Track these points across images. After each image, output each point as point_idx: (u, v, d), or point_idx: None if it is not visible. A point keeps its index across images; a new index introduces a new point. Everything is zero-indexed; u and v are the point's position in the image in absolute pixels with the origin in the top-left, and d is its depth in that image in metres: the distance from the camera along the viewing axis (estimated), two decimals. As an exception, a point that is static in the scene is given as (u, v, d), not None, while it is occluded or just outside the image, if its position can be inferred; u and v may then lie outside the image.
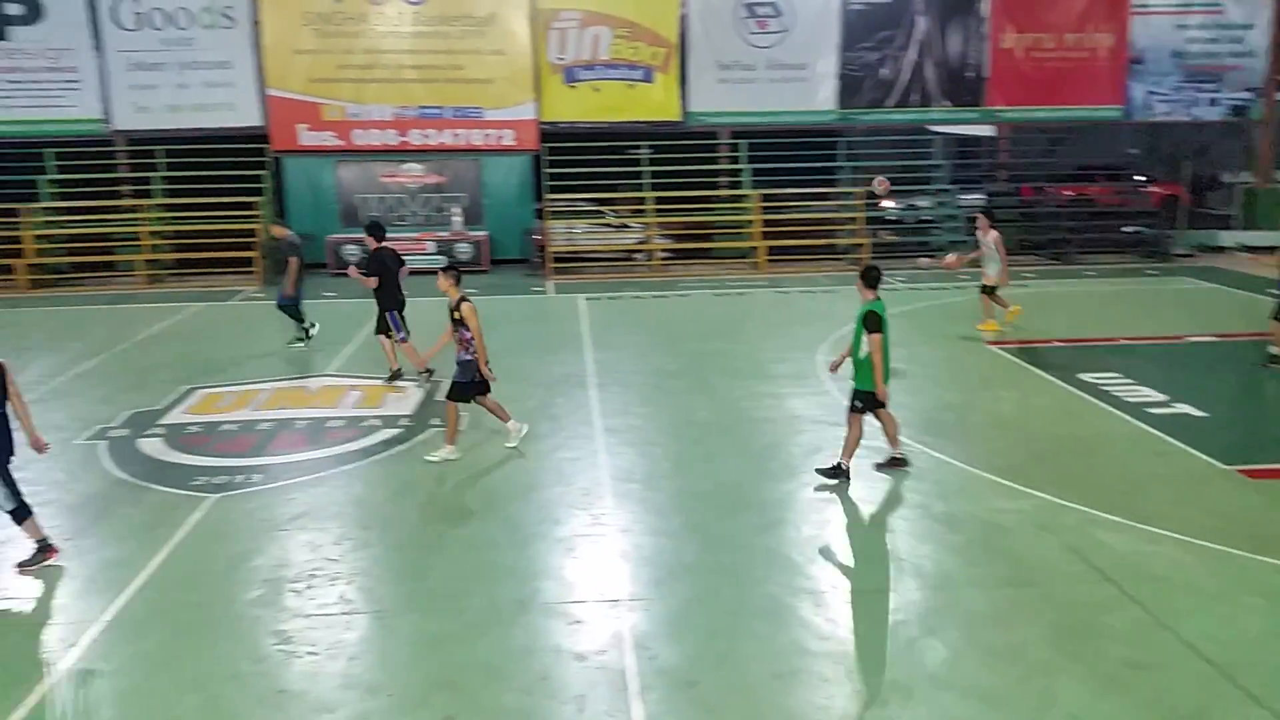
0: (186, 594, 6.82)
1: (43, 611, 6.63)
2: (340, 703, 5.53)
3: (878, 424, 8.78)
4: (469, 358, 9.16)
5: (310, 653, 5.99)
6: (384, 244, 11.99)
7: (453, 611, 6.50)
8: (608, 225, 22.03)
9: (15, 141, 21.43)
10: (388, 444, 9.86)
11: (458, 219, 21.57)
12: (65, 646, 6.11)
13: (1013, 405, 10.95)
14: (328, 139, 21.69)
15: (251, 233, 20.29)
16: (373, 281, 11.80)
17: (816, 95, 22.73)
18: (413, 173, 22.00)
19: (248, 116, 21.70)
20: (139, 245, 20.57)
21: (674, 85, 22.34)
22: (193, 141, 21.60)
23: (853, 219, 22.04)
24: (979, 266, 14.49)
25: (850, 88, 22.84)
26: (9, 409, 7.12)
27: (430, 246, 21.05)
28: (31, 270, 19.89)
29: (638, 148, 22.35)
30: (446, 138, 21.86)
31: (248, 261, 20.02)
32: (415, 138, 21.82)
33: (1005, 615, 6.37)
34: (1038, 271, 20.11)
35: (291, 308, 13.90)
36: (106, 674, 5.84)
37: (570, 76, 22.12)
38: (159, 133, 21.68)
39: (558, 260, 20.78)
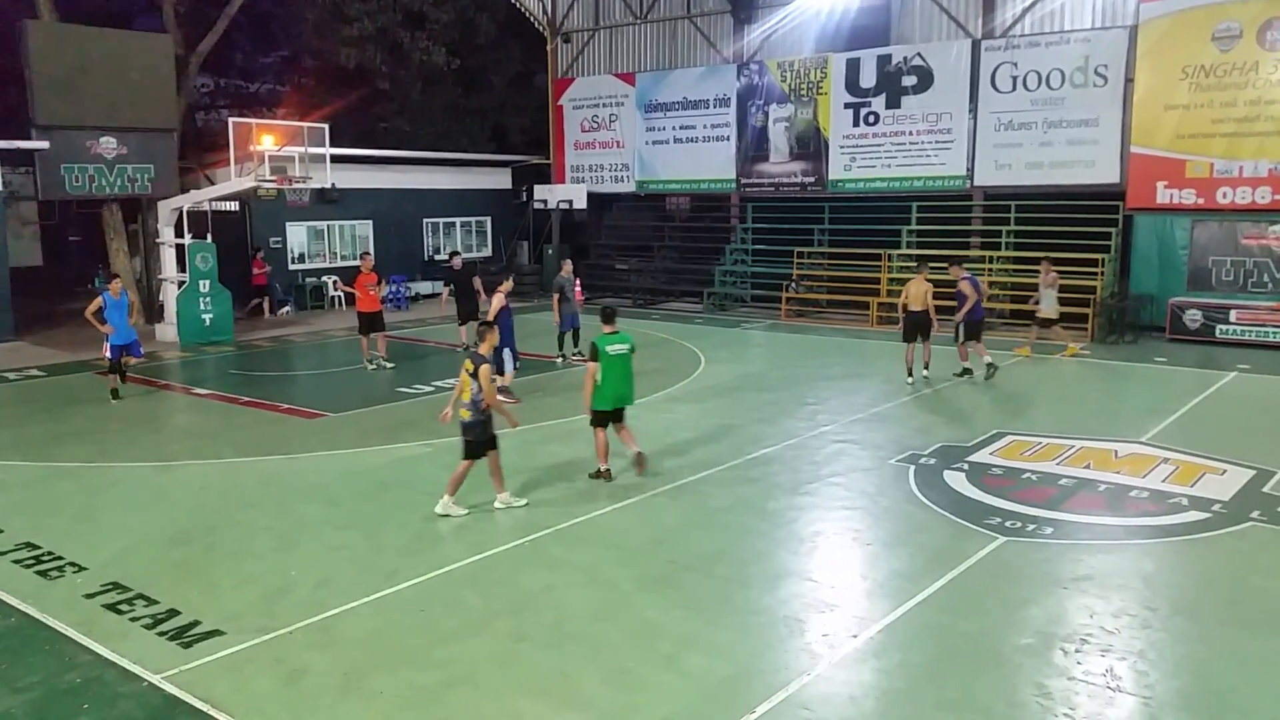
0: (960, 622, 7.17)
1: (837, 599, 7.57)
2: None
3: None
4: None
5: (1067, 715, 5.85)
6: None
7: (1232, 726, 5.75)
8: None
9: (890, 195, 24.52)
10: (1192, 527, 9.02)
11: (1331, 290, 18.54)
12: (848, 635, 6.92)
13: None
14: (1188, 197, 20.38)
15: (1091, 289, 20.10)
16: None
17: None
18: (1280, 235, 19.49)
19: (1106, 174, 21.54)
20: (981, 294, 21.81)
21: None
22: (1045, 197, 22.20)
23: None
24: None
25: None
26: None
27: (1288, 319, 18.56)
28: (880, 309, 22.49)
29: None
30: (1333, 197, 18.91)
31: (1083, 318, 19.86)
32: (1293, 196, 19.32)
33: None
34: None
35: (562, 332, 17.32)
36: (876, 670, 6.48)
37: None
38: (1015, 188, 22.75)
39: None
